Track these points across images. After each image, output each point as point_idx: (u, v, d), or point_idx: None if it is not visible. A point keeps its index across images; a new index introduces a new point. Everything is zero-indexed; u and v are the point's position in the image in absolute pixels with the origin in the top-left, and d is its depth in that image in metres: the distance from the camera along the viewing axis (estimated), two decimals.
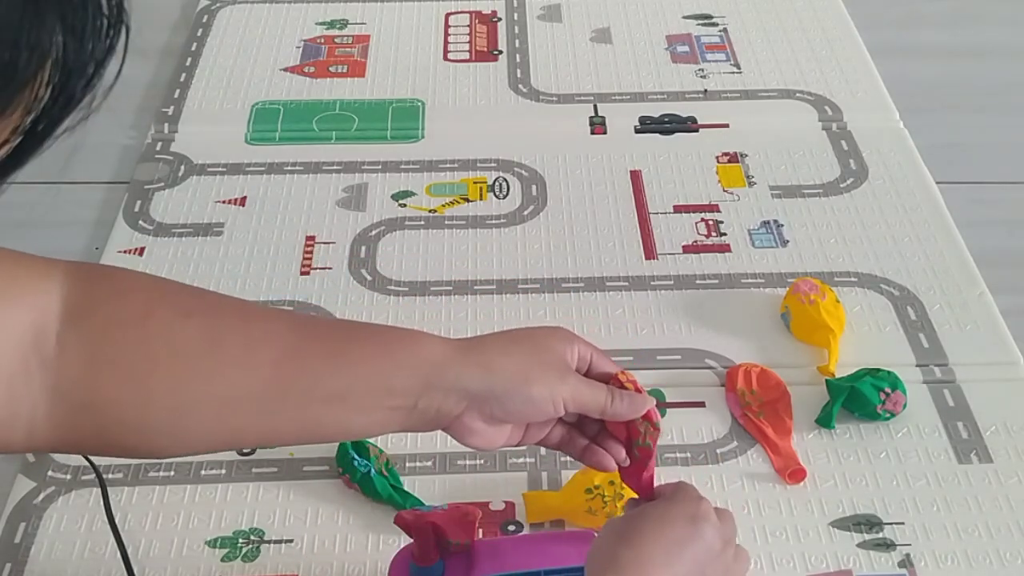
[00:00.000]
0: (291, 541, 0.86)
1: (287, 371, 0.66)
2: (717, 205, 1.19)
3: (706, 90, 1.37)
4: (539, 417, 0.70)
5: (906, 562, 0.85)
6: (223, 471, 0.91)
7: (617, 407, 0.70)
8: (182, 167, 1.25)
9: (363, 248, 1.14)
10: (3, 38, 0.40)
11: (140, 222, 1.17)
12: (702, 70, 1.40)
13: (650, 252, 1.13)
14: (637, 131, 1.31)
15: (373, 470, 0.88)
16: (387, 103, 1.35)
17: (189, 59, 1.42)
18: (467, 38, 1.47)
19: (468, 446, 0.70)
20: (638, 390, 0.71)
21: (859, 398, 0.94)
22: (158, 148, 1.28)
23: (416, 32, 1.48)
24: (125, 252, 1.13)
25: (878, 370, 0.96)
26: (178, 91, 1.37)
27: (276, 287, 1.09)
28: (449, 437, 0.70)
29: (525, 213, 1.19)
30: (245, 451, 0.92)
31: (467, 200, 1.20)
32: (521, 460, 0.92)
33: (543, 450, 0.93)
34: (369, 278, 1.10)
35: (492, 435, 0.70)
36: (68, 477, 0.91)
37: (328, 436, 0.71)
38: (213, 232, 1.16)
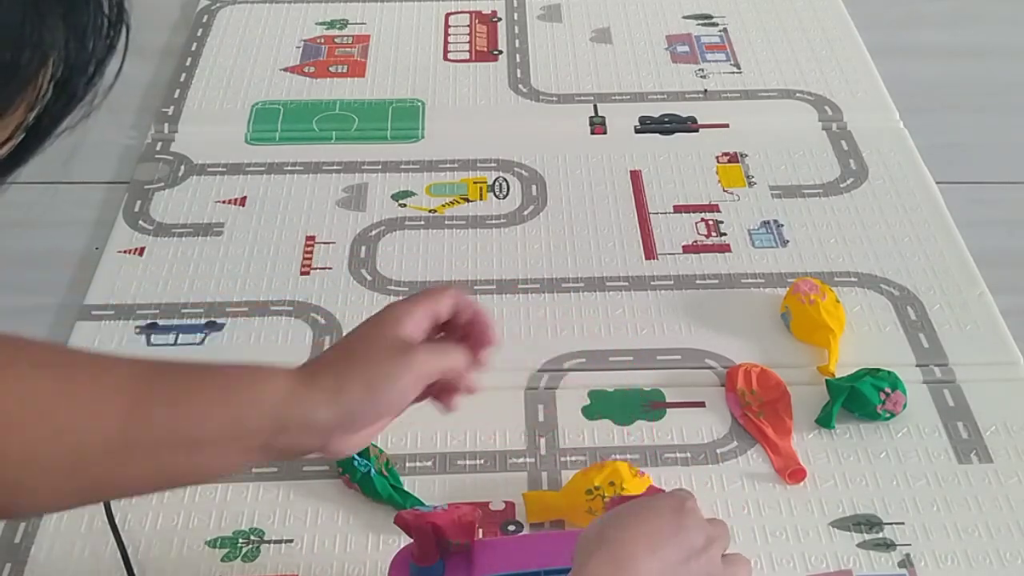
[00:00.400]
0: (291, 541, 0.86)
1: (135, 421, 0.64)
2: (717, 205, 1.19)
3: (706, 90, 1.37)
4: (403, 404, 0.70)
5: (906, 562, 0.85)
6: None
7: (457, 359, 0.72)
8: (182, 167, 1.25)
9: (363, 248, 1.14)
10: (6, 36, 0.40)
11: (140, 222, 1.17)
12: (702, 70, 1.40)
13: (650, 252, 1.13)
14: (637, 131, 1.31)
15: (373, 470, 0.88)
16: (387, 103, 1.35)
17: (189, 59, 1.42)
18: (467, 38, 1.47)
19: (349, 455, 0.70)
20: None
21: (859, 398, 0.94)
22: (158, 148, 1.28)
23: (416, 32, 1.48)
24: (125, 252, 1.13)
25: (878, 370, 0.96)
26: (178, 91, 1.37)
27: (276, 287, 1.09)
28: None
29: (525, 213, 1.19)
30: None
31: (467, 200, 1.20)
32: (521, 460, 0.92)
33: (543, 450, 0.93)
34: (369, 278, 1.10)
35: (365, 436, 0.70)
36: None
37: (188, 481, 0.71)
38: (213, 232, 1.16)
